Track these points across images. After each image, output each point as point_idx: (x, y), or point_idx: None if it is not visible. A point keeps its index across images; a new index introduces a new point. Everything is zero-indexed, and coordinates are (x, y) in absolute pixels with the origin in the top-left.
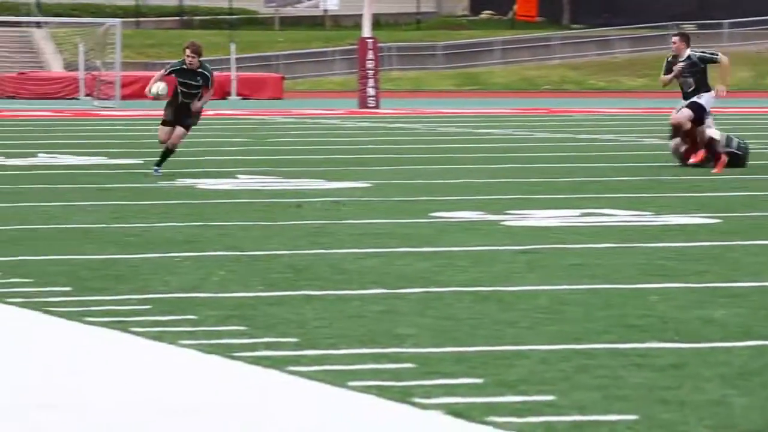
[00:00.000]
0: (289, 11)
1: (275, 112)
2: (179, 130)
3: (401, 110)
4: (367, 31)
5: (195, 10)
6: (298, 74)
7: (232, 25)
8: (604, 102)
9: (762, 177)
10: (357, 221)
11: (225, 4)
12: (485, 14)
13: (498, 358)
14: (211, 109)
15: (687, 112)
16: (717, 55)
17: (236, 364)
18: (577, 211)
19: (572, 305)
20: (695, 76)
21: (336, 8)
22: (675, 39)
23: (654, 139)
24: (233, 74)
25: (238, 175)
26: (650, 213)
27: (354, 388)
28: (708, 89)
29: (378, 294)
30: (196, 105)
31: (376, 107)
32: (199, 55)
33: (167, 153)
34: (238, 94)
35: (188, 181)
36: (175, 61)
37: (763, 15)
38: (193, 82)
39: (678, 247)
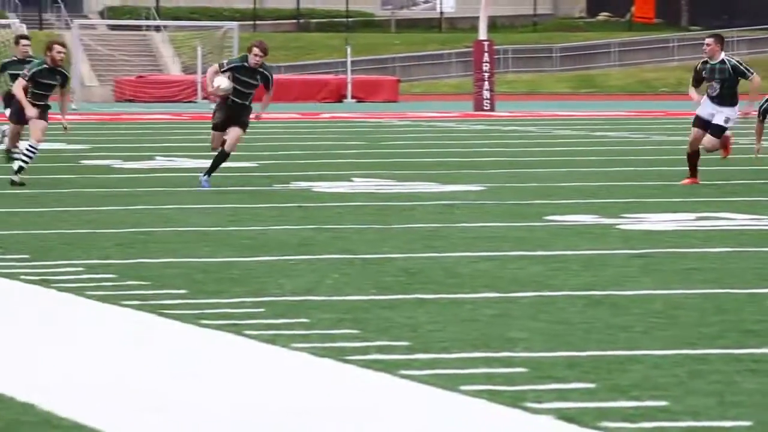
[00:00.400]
0: (405, 14)
1: (390, 114)
2: (235, 131)
3: (516, 113)
4: (483, 33)
5: (311, 13)
6: (414, 77)
7: (348, 28)
8: None
9: None
10: (471, 224)
11: (342, 7)
12: (602, 16)
13: (611, 363)
14: (326, 112)
15: (715, 141)
16: (751, 72)
17: (348, 368)
18: (693, 215)
19: (687, 310)
20: (723, 83)
21: (452, 10)
22: (709, 41)
23: None
24: (349, 77)
25: (353, 178)
26: (767, 217)
27: (465, 392)
28: (733, 102)
29: (491, 298)
30: (260, 115)
31: (491, 110)
32: (266, 54)
33: (222, 158)
34: (353, 97)
35: (304, 184)
36: (235, 57)
37: None
38: (252, 81)
39: None
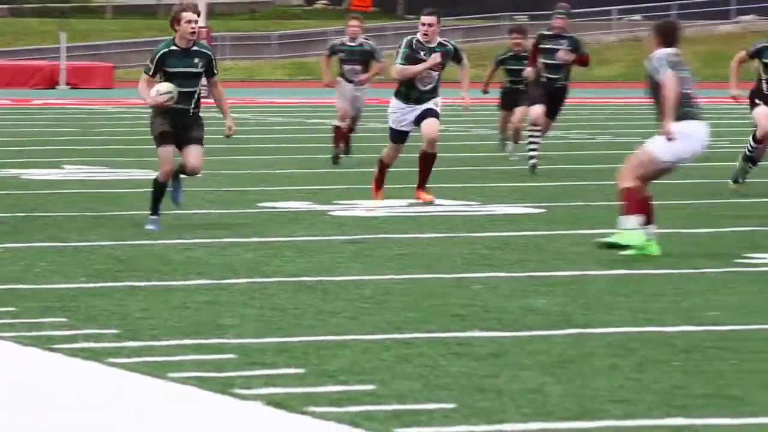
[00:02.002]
0: (123, 0)
1: (105, 101)
2: (194, 149)
3: (233, 100)
4: (201, 20)
5: None
6: (131, 63)
7: (63, 14)
8: None
9: (586, 167)
10: (184, 211)
11: None
12: (320, 4)
13: (320, 348)
14: (38, 99)
15: (437, 124)
16: (464, 55)
17: (55, 356)
18: (405, 201)
19: (396, 295)
20: (441, 71)
21: None
22: (432, 20)
23: (482, 129)
24: (62, 63)
25: (64, 165)
26: (477, 203)
27: (174, 380)
28: (438, 92)
29: (203, 285)
30: (231, 129)
31: (207, 96)
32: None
33: (178, 173)
34: (67, 83)
35: (13, 171)
36: (159, 45)
37: (594, 6)
38: (191, 69)
39: (502, 236)
